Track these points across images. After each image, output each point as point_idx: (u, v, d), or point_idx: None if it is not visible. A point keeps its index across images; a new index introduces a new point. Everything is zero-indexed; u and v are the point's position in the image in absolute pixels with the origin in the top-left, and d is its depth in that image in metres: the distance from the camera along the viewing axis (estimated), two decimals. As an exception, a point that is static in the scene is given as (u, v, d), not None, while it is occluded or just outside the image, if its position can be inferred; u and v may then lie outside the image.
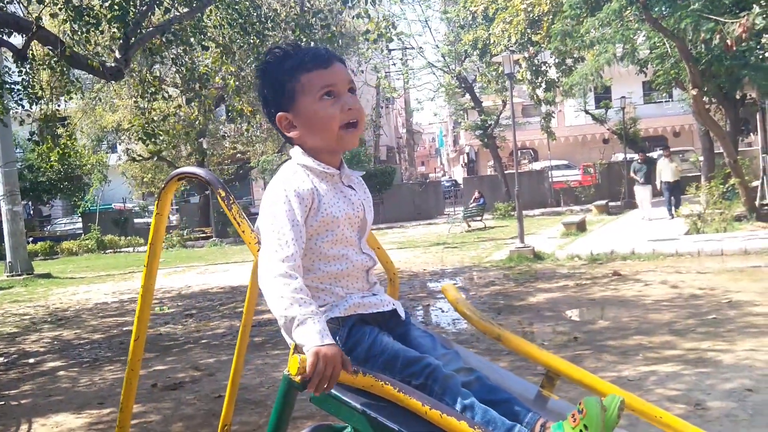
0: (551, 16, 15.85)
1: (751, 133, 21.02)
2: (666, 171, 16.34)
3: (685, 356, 5.22)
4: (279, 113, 1.89)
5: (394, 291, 2.18)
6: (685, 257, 10.87)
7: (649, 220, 16.12)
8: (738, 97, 15.81)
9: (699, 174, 18.39)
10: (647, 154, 17.75)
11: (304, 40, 11.02)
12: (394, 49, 28.97)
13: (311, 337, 1.59)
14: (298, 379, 1.64)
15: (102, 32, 9.56)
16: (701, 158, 19.26)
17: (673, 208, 16.17)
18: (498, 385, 1.81)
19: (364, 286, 1.89)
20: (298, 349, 1.64)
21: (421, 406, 1.59)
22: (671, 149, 17.88)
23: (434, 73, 32.68)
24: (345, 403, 1.65)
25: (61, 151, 11.15)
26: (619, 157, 29.81)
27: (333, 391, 1.65)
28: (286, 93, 1.88)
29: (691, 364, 5.00)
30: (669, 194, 16.29)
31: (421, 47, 30.84)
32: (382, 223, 27.49)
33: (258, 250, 1.76)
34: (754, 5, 11.82)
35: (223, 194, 1.79)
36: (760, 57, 12.36)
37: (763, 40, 12.61)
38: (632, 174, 17.31)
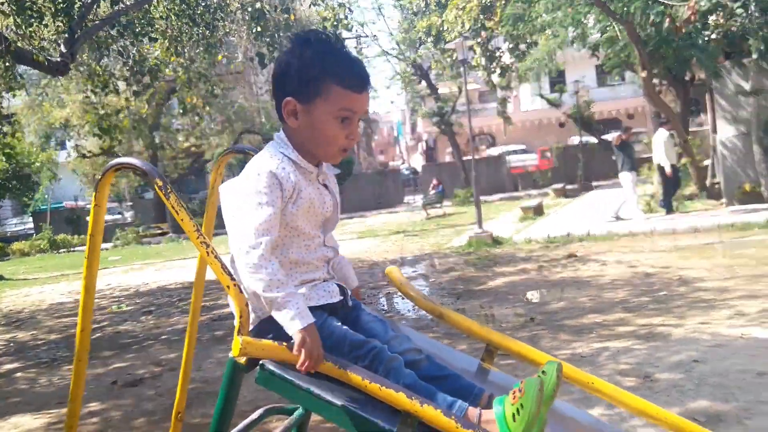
0: (504, 2, 15.97)
1: (701, 114, 21.53)
2: (671, 150, 12.95)
3: (636, 332, 5.38)
4: (289, 97, 1.85)
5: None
6: (639, 237, 11.14)
7: (626, 215, 12.93)
8: (687, 78, 16.17)
9: (651, 155, 18.73)
10: (624, 136, 13.68)
11: (259, 29, 10.92)
12: (348, 38, 28.90)
13: (293, 322, 1.68)
14: (243, 360, 1.69)
15: (46, 26, 9.36)
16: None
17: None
18: (445, 363, 1.88)
19: (323, 275, 1.92)
20: (240, 331, 1.69)
21: (361, 380, 1.65)
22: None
23: (389, 61, 32.77)
24: (289, 382, 1.69)
25: (5, 150, 10.88)
26: (575, 140, 30.28)
27: (277, 370, 1.70)
28: (308, 86, 1.83)
29: (642, 339, 5.15)
30: (673, 181, 13.06)
31: (375, 35, 30.84)
32: (342, 214, 27.27)
33: (197, 238, 1.78)
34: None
35: (161, 183, 1.78)
36: (706, 39, 12.65)
37: (709, 21, 12.92)
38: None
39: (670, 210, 12.89)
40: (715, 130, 14.06)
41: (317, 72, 1.82)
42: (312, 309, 1.80)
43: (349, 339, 1.79)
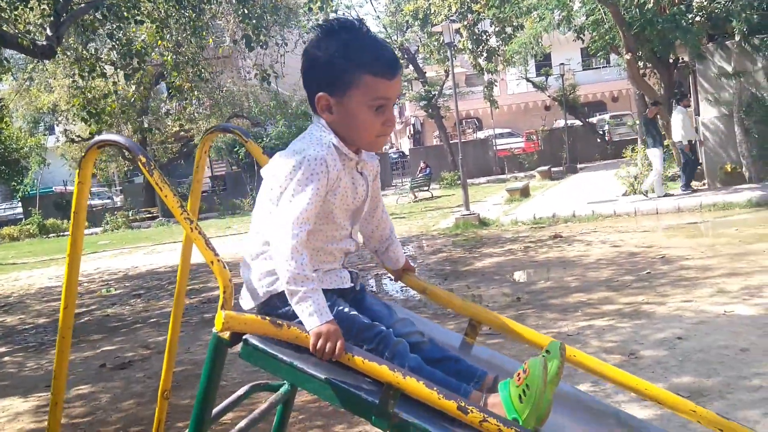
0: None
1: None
2: (689, 127, 12.66)
3: (621, 310, 5.45)
4: (321, 93, 1.80)
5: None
6: (623, 217, 11.24)
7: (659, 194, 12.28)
8: (671, 60, 16.22)
9: (636, 137, 18.83)
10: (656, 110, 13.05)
11: (246, 12, 10.82)
12: (335, 21, 28.72)
13: (311, 318, 1.67)
14: (226, 335, 1.71)
15: (32, 9, 9.24)
16: (638, 122, 19.76)
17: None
18: (447, 346, 1.92)
19: (339, 266, 1.92)
20: (224, 306, 1.70)
21: (344, 354, 1.67)
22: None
23: (376, 45, 32.53)
24: (272, 356, 1.71)
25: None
26: (560, 123, 30.35)
27: (260, 345, 1.72)
28: (341, 80, 1.78)
29: (626, 317, 5.23)
30: (691, 159, 12.72)
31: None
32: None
33: (181, 214, 1.78)
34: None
35: (144, 160, 1.78)
36: (690, 21, 12.69)
37: (693, 4, 12.97)
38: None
39: (688, 187, 12.49)
40: (697, 112, 14.14)
41: (346, 64, 1.76)
42: (323, 291, 1.81)
43: (357, 322, 1.80)
